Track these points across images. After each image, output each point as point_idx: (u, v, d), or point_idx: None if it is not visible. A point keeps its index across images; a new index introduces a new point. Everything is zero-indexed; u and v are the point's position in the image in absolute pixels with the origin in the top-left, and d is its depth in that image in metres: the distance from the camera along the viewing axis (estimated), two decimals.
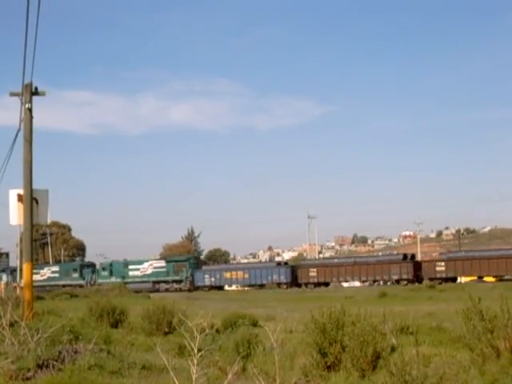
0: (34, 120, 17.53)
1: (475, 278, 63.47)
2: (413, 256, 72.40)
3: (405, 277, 64.72)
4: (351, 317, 11.57)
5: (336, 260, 78.69)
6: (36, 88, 17.44)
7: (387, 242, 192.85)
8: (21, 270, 32.36)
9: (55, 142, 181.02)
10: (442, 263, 65.10)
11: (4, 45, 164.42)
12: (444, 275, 63.77)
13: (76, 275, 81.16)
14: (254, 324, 18.98)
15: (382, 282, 68.17)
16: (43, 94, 17.78)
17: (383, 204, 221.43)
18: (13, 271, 78.78)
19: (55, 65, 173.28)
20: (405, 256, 69.81)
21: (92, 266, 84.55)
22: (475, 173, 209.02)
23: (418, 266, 66.57)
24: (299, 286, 69.02)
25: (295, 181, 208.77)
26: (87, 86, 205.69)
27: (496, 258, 62.80)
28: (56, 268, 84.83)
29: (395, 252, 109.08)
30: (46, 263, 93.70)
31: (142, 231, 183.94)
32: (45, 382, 9.85)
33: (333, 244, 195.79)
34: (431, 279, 61.65)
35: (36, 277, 73.49)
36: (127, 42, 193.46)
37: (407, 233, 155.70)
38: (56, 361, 10.86)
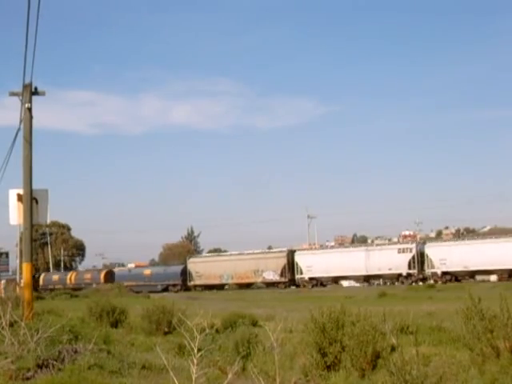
0: (33, 120, 17.55)
1: None
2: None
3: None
4: (351, 316, 11.55)
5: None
6: (36, 88, 17.44)
7: (387, 241, 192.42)
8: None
9: (55, 141, 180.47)
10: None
11: (4, 45, 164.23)
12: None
13: None
14: (254, 324, 18.93)
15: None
16: (43, 93, 17.78)
17: (383, 204, 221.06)
18: None
19: (55, 64, 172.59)
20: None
21: None
22: (475, 172, 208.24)
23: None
24: None
25: (295, 180, 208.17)
26: (87, 86, 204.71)
27: None
28: None
29: None
30: None
31: (142, 231, 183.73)
32: (44, 381, 9.84)
33: (332, 244, 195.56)
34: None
35: None
36: (128, 42, 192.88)
37: (407, 232, 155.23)
38: (56, 361, 10.86)
